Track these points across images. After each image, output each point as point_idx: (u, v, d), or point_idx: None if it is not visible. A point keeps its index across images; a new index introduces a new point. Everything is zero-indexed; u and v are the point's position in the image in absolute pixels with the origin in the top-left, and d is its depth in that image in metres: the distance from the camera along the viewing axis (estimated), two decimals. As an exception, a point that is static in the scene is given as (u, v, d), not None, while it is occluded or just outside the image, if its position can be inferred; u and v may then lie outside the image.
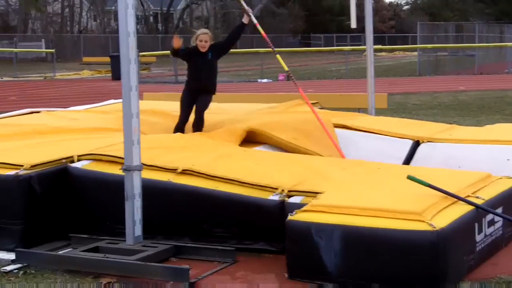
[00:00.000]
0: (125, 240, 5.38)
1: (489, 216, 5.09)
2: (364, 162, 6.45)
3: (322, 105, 10.34)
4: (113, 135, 7.10)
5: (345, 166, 6.03)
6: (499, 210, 5.23)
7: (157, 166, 5.82)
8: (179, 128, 7.95)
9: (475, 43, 35.17)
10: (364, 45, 11.16)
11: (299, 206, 5.04)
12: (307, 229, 4.72)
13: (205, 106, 8.07)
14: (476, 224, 4.93)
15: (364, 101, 10.37)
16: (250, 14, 8.34)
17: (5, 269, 5.22)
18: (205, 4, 75.27)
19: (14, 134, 7.41)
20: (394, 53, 57.27)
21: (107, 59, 34.76)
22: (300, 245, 4.76)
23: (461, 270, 4.75)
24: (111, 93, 20.92)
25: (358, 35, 63.25)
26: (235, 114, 8.65)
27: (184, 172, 5.73)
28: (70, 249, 5.58)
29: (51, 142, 6.88)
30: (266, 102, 10.73)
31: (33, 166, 5.82)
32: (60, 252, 5.48)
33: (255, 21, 8.50)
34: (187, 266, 4.88)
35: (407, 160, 7.48)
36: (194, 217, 5.58)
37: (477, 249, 4.95)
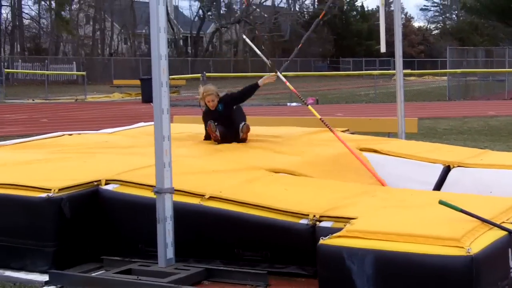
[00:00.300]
0: (157, 263, 5.40)
1: (523, 242, 5.04)
2: (395, 189, 6.43)
3: (351, 130, 10.34)
4: (142, 156, 7.14)
5: (376, 193, 6.01)
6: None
7: (185, 191, 5.83)
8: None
9: (505, 68, 34.97)
10: (393, 69, 11.17)
11: (330, 230, 5.03)
12: (339, 253, 4.70)
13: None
14: (510, 250, 4.89)
15: (394, 125, 10.34)
16: (278, 74, 8.39)
17: (39, 291, 5.26)
18: (234, 28, 75.67)
19: (45, 156, 7.48)
20: (424, 77, 57.11)
21: (137, 82, 35.04)
22: (332, 270, 4.74)
23: (495, 296, 4.71)
24: (141, 116, 21.05)
25: (387, 59, 63.25)
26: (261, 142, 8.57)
27: (212, 198, 5.74)
28: (103, 271, 5.61)
29: (82, 165, 6.93)
30: (295, 126, 10.70)
31: (64, 189, 5.86)
32: (93, 274, 5.51)
33: (283, 79, 8.53)
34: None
35: (438, 185, 7.44)
36: (225, 240, 5.58)
37: (511, 275, 4.90)
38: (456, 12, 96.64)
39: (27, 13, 63.01)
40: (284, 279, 5.36)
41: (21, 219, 5.78)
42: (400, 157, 7.99)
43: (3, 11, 60.66)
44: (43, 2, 60.60)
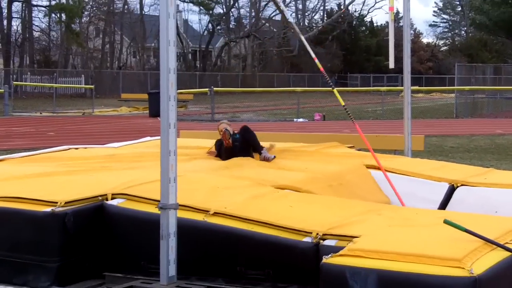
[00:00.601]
0: (159, 280, 5.38)
1: (527, 264, 5.01)
2: (401, 207, 6.41)
3: (357, 147, 10.33)
4: (148, 170, 7.14)
5: (381, 211, 5.99)
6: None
7: (189, 206, 5.82)
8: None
9: (513, 85, 34.93)
10: (401, 85, 11.18)
11: (334, 249, 5.00)
12: (342, 272, 4.67)
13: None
14: (514, 271, 4.86)
15: (401, 142, 10.33)
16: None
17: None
18: (243, 42, 75.87)
19: (51, 170, 7.49)
20: (431, 94, 57.11)
21: (145, 95, 35.13)
22: (335, 289, 4.72)
23: (499, 318, 4.68)
24: (148, 130, 21.10)
25: (395, 76, 63.31)
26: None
27: (217, 214, 5.73)
28: (105, 287, 5.59)
29: (87, 179, 6.93)
30: (302, 142, 10.69)
31: (68, 203, 5.86)
32: (94, 291, 5.51)
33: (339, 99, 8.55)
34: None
35: (443, 204, 7.41)
36: (228, 258, 5.56)
37: (515, 297, 4.87)
38: (465, 28, 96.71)
39: (37, 26, 63.35)
40: (286, 297, 5.33)
41: (24, 234, 5.76)
42: (405, 175, 7.98)
43: (13, 23, 61.01)
44: (53, 15, 60.86)
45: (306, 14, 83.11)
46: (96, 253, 5.92)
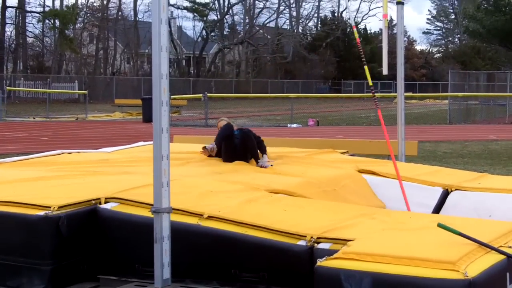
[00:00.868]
0: (153, 283, 5.37)
1: (521, 267, 5.02)
2: (394, 211, 6.41)
3: (351, 152, 10.34)
4: (141, 175, 7.13)
5: (375, 215, 5.99)
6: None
7: (183, 210, 5.82)
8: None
9: (506, 92, 35.06)
10: (395, 92, 11.18)
11: (328, 252, 5.00)
12: (337, 275, 4.67)
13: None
14: (508, 274, 4.86)
15: (394, 148, 10.33)
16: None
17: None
18: (237, 49, 75.94)
19: (44, 174, 7.48)
20: (425, 100, 57.23)
21: (139, 101, 35.15)
22: (329, 292, 4.72)
23: (493, 321, 4.68)
24: (141, 135, 21.08)
25: (388, 82, 63.41)
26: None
27: (211, 217, 5.73)
28: (98, 290, 5.58)
29: (80, 183, 6.92)
30: (296, 147, 10.70)
31: (62, 207, 5.84)
32: (88, 294, 5.49)
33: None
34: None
35: (437, 208, 7.42)
36: (222, 261, 5.56)
37: (509, 300, 4.87)
38: (458, 36, 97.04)
39: (31, 32, 63.31)
40: (281, 301, 5.32)
41: (18, 237, 5.75)
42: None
43: (7, 29, 60.96)
44: (47, 21, 60.83)
45: (300, 21, 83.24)
46: (90, 256, 5.91)
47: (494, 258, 4.79)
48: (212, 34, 76.13)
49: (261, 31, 77.47)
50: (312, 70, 75.13)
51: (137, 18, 69.15)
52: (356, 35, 8.62)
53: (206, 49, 74.71)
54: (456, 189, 7.58)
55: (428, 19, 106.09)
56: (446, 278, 4.44)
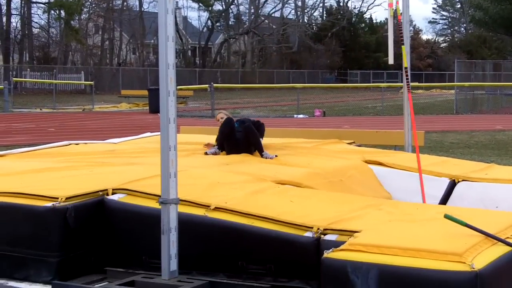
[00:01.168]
0: (160, 275, 5.38)
1: (528, 258, 5.01)
2: (401, 202, 6.41)
3: (357, 142, 10.33)
4: (148, 166, 7.14)
5: (382, 206, 5.99)
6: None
7: (190, 201, 5.82)
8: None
9: (513, 81, 34.95)
10: (401, 81, 11.15)
11: (334, 243, 5.00)
12: (343, 267, 4.68)
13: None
14: (515, 266, 4.86)
15: (401, 138, 10.33)
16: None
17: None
18: (243, 39, 75.85)
19: (51, 165, 7.49)
20: (431, 90, 57.07)
21: (145, 92, 35.13)
22: (336, 284, 4.71)
23: (500, 313, 4.68)
24: (148, 126, 21.10)
25: (394, 72, 63.27)
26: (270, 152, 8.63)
27: (218, 209, 5.73)
28: (106, 282, 5.58)
29: (88, 174, 6.93)
30: (302, 137, 10.69)
31: (69, 198, 5.85)
32: (96, 286, 5.50)
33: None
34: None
35: (444, 199, 7.42)
36: (229, 253, 5.57)
37: (516, 291, 4.87)
38: (464, 25, 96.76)
39: (36, 22, 63.39)
40: (288, 292, 5.33)
41: (25, 228, 5.76)
42: (406, 170, 7.98)
43: (12, 20, 60.97)
44: (52, 12, 60.83)
45: (306, 11, 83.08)
46: (97, 248, 5.92)
47: (501, 250, 4.78)
48: (218, 24, 76.08)
49: (266, 21, 77.36)
50: (317, 60, 75.03)
51: (143, 9, 69.12)
52: (398, 12, 8.55)
53: (212, 39, 74.68)
54: (463, 180, 7.57)
55: (433, 8, 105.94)
56: (453, 270, 4.44)
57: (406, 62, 8.01)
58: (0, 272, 5.80)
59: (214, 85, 33.13)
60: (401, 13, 9.82)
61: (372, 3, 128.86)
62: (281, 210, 5.68)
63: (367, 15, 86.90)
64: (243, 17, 78.88)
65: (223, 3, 74.92)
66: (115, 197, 6.07)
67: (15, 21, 62.00)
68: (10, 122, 25.54)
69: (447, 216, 5.03)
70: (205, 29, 75.28)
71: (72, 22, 60.31)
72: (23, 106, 35.83)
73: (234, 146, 8.50)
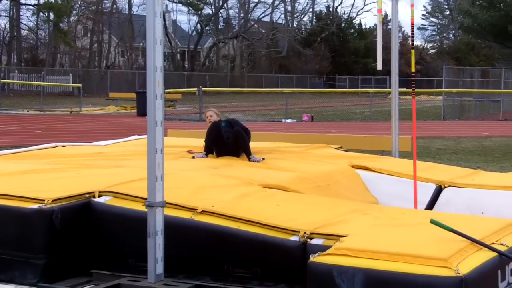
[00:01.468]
0: (146, 278, 5.38)
1: (512, 264, 5.04)
2: (387, 207, 6.42)
3: (345, 147, 10.35)
4: (135, 169, 7.12)
5: (368, 211, 6.00)
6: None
7: (176, 204, 5.81)
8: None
9: (500, 88, 35.12)
10: (389, 87, 11.18)
11: (321, 247, 5.01)
12: (329, 271, 4.68)
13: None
14: (499, 272, 4.88)
15: (388, 143, 10.36)
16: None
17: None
18: (232, 43, 75.86)
19: (38, 167, 7.46)
20: (419, 96, 57.17)
21: (133, 95, 35.10)
22: (322, 287, 4.73)
23: (484, 318, 4.69)
24: (136, 129, 21.06)
25: (383, 78, 63.46)
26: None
27: (204, 212, 5.73)
28: (92, 285, 5.57)
29: (74, 176, 6.91)
30: (290, 142, 10.69)
31: (55, 200, 5.84)
32: (81, 288, 5.49)
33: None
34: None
35: (430, 204, 7.43)
36: (215, 256, 5.56)
37: (500, 297, 4.89)
38: (453, 32, 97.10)
39: (25, 24, 63.17)
40: (273, 296, 5.33)
41: (11, 230, 5.74)
42: (393, 175, 8.00)
43: (1, 21, 60.89)
44: (41, 14, 60.66)
45: (295, 16, 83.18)
46: (83, 250, 5.91)
47: (486, 255, 4.80)
48: (207, 28, 76.01)
49: (256, 25, 77.39)
50: (306, 65, 75.07)
51: (132, 12, 69.02)
52: (413, 14, 8.57)
53: (201, 43, 74.62)
54: (449, 186, 7.59)
55: (423, 15, 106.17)
56: (438, 275, 4.45)
57: (413, 67, 8.01)
58: (-15, 274, 5.78)
59: (203, 88, 33.14)
60: (390, 19, 9.86)
61: (362, 9, 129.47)
62: (267, 214, 5.68)
63: (356, 21, 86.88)
64: (232, 21, 78.91)
65: (212, 7, 74.94)
66: (102, 199, 6.06)
67: (3, 22, 61.96)
68: (-3, 123, 25.45)
69: (433, 222, 5.04)
70: (194, 32, 75.21)
71: (61, 24, 60.16)
72: (10, 107, 35.69)
73: (223, 149, 8.52)
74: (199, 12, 72.77)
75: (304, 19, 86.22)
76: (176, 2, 72.60)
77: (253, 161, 8.31)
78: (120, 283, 5.41)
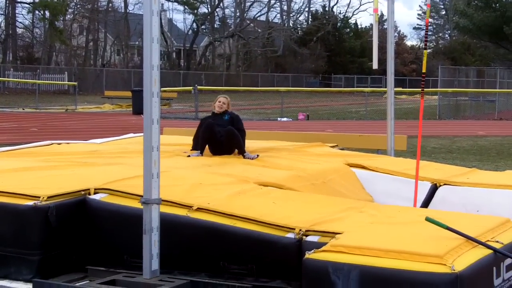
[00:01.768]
0: (142, 274, 5.38)
1: (508, 261, 5.05)
2: (383, 205, 6.43)
3: (341, 146, 10.36)
4: (131, 166, 7.13)
5: (364, 209, 6.02)
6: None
7: (172, 202, 5.82)
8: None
9: (496, 88, 35.19)
10: (385, 87, 11.19)
11: (316, 244, 5.02)
12: (324, 268, 4.70)
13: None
14: (495, 268, 4.89)
15: (384, 142, 10.37)
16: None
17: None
18: (228, 42, 75.82)
19: (33, 164, 7.46)
20: (415, 96, 57.25)
21: (128, 93, 35.09)
22: (317, 284, 4.73)
23: (479, 315, 4.71)
24: (131, 127, 21.06)
25: (378, 77, 63.52)
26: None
27: (200, 209, 5.74)
28: (87, 281, 5.58)
29: (70, 174, 6.91)
30: (285, 140, 10.70)
31: (51, 197, 5.84)
32: (77, 284, 5.49)
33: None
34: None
35: (426, 203, 7.45)
36: (211, 253, 5.57)
37: (495, 294, 4.90)
38: (449, 31, 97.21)
39: (20, 22, 63.03)
40: (269, 293, 5.33)
41: (6, 227, 5.75)
42: (388, 173, 8.01)
43: (-4, 19, 60.67)
44: (37, 12, 60.57)
45: (291, 15, 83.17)
46: (78, 246, 5.91)
47: (481, 253, 4.82)
48: (203, 27, 76.00)
49: (251, 24, 77.38)
50: (302, 64, 75.10)
51: (128, 10, 68.91)
52: (428, 15, 8.60)
53: (197, 42, 74.56)
54: (444, 184, 7.61)
55: (418, 14, 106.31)
56: (434, 272, 4.47)
57: (424, 67, 8.02)
58: (-20, 270, 5.78)
59: (198, 87, 33.10)
60: (386, 19, 9.88)
61: (358, 8, 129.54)
62: (263, 211, 5.69)
63: (352, 20, 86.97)
64: (228, 20, 78.86)
65: (208, 6, 74.88)
66: (97, 196, 6.07)
67: (-1, 20, 61.75)
68: (-8, 121, 25.41)
69: (428, 219, 5.06)
70: (190, 31, 75.16)
71: (56, 22, 60.07)
72: (5, 105, 35.67)
73: (217, 147, 8.55)
74: (195, 11, 72.73)
75: (300, 18, 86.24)
76: (172, 1, 72.63)
77: (248, 158, 8.32)
78: (115, 279, 5.41)
